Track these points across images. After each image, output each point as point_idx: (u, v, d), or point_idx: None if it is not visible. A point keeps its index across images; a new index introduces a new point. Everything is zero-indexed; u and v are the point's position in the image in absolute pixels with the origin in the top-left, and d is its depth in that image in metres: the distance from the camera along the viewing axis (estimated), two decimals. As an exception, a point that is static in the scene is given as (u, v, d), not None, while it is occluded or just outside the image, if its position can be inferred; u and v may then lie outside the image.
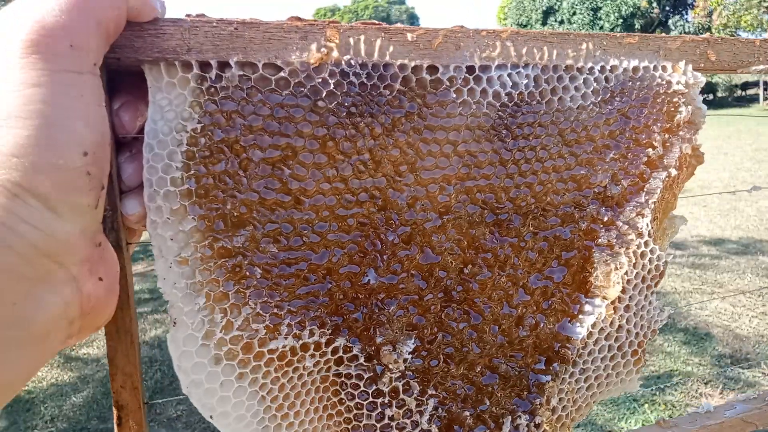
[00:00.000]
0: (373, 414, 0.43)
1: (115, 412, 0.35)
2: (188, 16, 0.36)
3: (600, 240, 0.49)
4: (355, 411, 0.43)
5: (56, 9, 0.29)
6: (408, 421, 0.44)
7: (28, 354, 0.28)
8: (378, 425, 0.43)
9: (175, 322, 0.36)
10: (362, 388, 0.43)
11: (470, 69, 0.43)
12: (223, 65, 0.37)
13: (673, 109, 0.51)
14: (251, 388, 0.39)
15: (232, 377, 0.38)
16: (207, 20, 0.36)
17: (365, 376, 0.42)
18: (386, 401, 0.43)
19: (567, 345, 0.48)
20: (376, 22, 0.41)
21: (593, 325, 0.49)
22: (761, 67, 0.58)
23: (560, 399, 0.49)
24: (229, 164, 0.37)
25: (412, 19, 45.08)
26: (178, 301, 0.36)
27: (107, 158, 0.31)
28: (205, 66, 0.36)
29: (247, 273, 0.37)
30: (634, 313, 0.50)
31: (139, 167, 0.36)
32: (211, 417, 0.37)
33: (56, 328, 0.29)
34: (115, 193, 0.35)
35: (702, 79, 0.53)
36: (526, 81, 0.45)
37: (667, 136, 0.51)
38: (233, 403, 0.38)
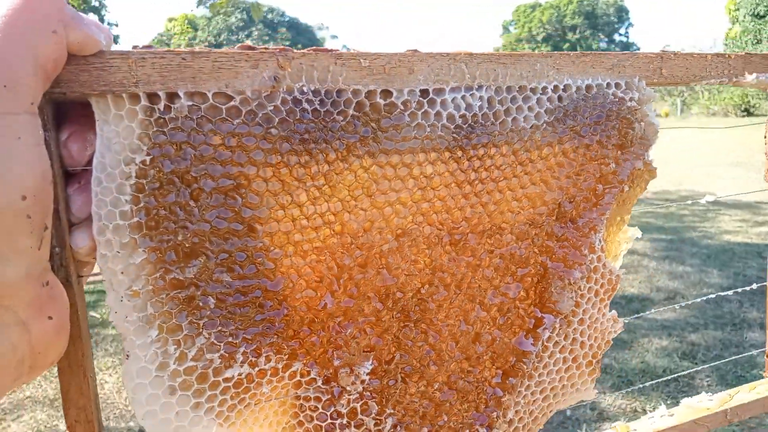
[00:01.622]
0: (332, 434, 0.44)
1: (67, 447, 0.35)
2: (135, 47, 0.36)
3: (555, 256, 0.50)
4: (314, 432, 0.44)
5: None
6: (367, 440, 0.45)
7: None
8: (337, 445, 0.44)
9: (128, 355, 0.36)
10: (321, 410, 0.43)
11: (424, 92, 0.44)
12: (172, 96, 0.36)
13: (626, 125, 0.52)
14: (207, 417, 0.39)
15: (188, 407, 0.38)
16: (155, 52, 0.35)
17: (323, 399, 0.43)
18: (345, 422, 0.44)
19: (523, 359, 0.50)
20: (329, 48, 0.41)
21: (548, 339, 0.50)
22: (713, 80, 0.59)
23: (517, 411, 0.50)
24: (179, 195, 0.37)
25: (621, 12, 40.59)
26: (131, 334, 0.36)
27: (49, 197, 0.31)
28: (153, 97, 0.36)
29: (201, 303, 0.38)
30: (588, 325, 0.52)
31: (88, 199, 0.35)
32: (167, 448, 0.38)
33: (5, 370, 0.29)
34: (64, 229, 0.35)
35: (654, 95, 0.54)
36: (480, 102, 0.45)
37: (619, 152, 0.52)
38: (189, 432, 0.38)
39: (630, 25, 40.66)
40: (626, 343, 2.73)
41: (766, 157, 0.71)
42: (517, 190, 0.48)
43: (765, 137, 0.71)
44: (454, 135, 0.45)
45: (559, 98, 0.49)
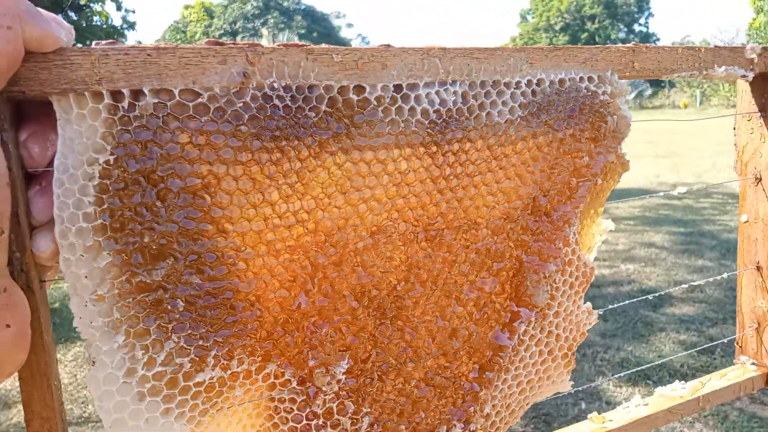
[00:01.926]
0: (309, 434, 0.44)
1: (32, 458, 0.34)
2: (97, 44, 0.34)
3: (530, 250, 0.50)
4: (290, 432, 0.43)
5: None
6: (344, 439, 0.44)
7: None
8: (314, 445, 0.44)
9: (93, 362, 0.35)
10: (296, 412, 0.43)
11: (398, 87, 0.43)
12: (137, 93, 0.35)
13: (599, 119, 0.52)
14: (178, 423, 0.38)
15: (158, 413, 0.37)
16: (118, 48, 0.34)
17: (298, 400, 0.43)
18: (321, 423, 0.43)
19: (499, 353, 0.50)
20: (300, 42, 0.40)
21: (524, 333, 0.50)
22: (684, 73, 0.60)
23: (494, 405, 0.51)
24: (145, 196, 0.36)
25: (641, 2, 38.32)
26: (96, 340, 0.35)
27: (6, 201, 0.30)
28: (117, 95, 0.35)
29: (169, 307, 0.37)
30: (563, 318, 0.52)
31: (50, 201, 0.34)
32: (137, 454, 0.37)
33: None
34: (24, 233, 0.33)
35: (627, 88, 0.55)
36: (454, 98, 0.45)
37: (593, 145, 0.52)
38: (161, 437, 0.37)
39: (650, 15, 39.51)
40: (643, 336, 2.65)
41: (735, 148, 0.72)
42: (492, 185, 0.48)
43: (734, 128, 0.72)
44: (429, 130, 0.44)
45: (533, 93, 0.49)
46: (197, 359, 0.38)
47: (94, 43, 0.34)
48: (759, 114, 0.67)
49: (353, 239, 0.43)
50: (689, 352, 2.38)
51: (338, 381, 0.43)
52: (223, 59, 0.37)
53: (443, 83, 0.45)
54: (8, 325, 0.30)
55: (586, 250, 0.55)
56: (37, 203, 0.34)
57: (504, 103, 0.47)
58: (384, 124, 0.42)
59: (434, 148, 0.45)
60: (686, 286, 3.12)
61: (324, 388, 0.43)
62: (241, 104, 0.37)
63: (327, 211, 0.42)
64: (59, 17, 0.34)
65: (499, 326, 0.50)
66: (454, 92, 0.45)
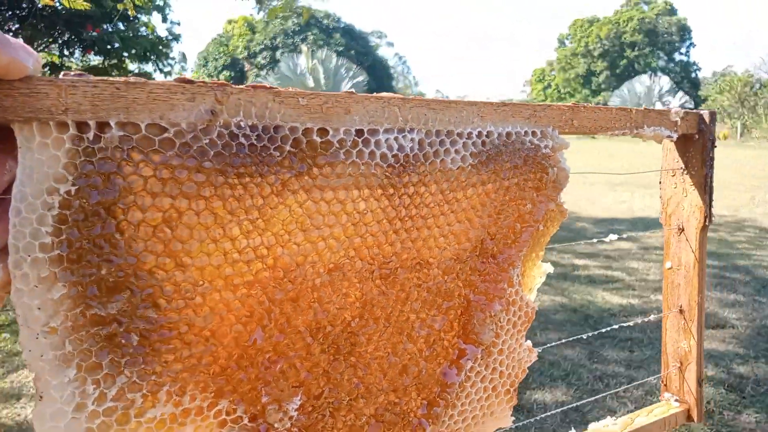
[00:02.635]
0: (258, 472, 0.43)
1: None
2: (66, 74, 0.34)
3: (477, 289, 0.53)
4: (238, 470, 0.43)
5: None
6: (293, 477, 0.44)
7: None
8: (262, 483, 0.43)
9: (41, 396, 0.34)
10: (246, 448, 0.42)
11: (359, 132, 0.45)
12: (103, 125, 0.35)
13: (541, 170, 0.56)
14: (126, 460, 0.37)
15: (105, 451, 0.36)
16: (87, 80, 0.34)
17: (250, 436, 0.42)
18: (271, 459, 0.43)
19: (447, 389, 0.52)
20: (267, 85, 0.41)
21: (470, 369, 0.53)
22: (617, 131, 0.66)
23: (440, 441, 0.52)
24: (105, 227, 0.35)
25: (683, 31, 37.92)
26: (46, 374, 0.34)
27: None
28: (82, 126, 0.35)
29: (123, 341, 0.36)
30: (506, 355, 0.55)
31: (3, 229, 0.33)
32: (79, 495, 0.35)
33: None
34: None
35: (567, 143, 0.60)
36: (411, 144, 0.48)
37: (535, 194, 0.56)
38: (105, 476, 0.36)
39: (692, 45, 38.79)
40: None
41: (661, 200, 0.79)
42: (444, 227, 0.51)
43: (660, 183, 0.79)
44: (387, 174, 0.47)
45: (483, 143, 0.52)
46: (149, 395, 0.37)
47: (62, 74, 0.35)
48: (682, 170, 0.75)
49: (311, 276, 0.44)
50: (717, 389, 2.29)
51: (290, 417, 0.43)
52: (192, 97, 0.38)
53: (402, 130, 0.47)
54: None
55: (527, 291, 0.59)
56: None
57: (456, 152, 0.51)
58: (345, 166, 0.44)
59: (391, 191, 0.47)
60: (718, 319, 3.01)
61: (276, 425, 0.43)
62: (207, 141, 0.38)
63: (286, 247, 0.43)
64: (27, 46, 0.34)
65: (447, 363, 0.52)
66: (412, 139, 0.48)
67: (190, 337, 0.39)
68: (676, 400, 0.78)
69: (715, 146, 0.73)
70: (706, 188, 0.74)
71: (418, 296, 0.50)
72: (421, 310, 0.50)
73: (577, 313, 3.17)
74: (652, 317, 0.88)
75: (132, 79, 0.36)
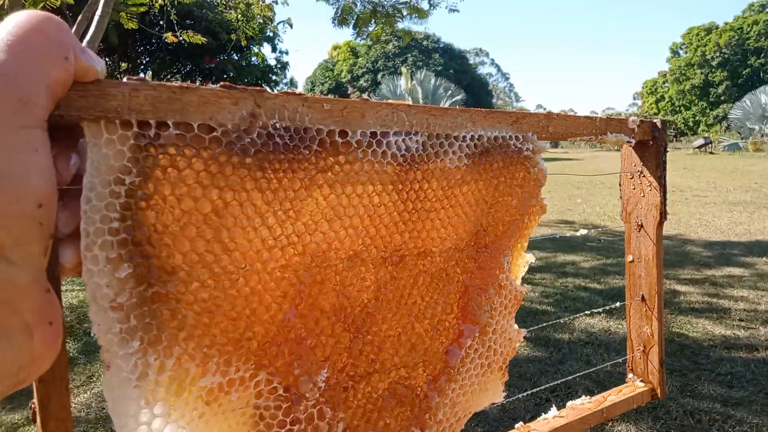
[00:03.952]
0: (290, 440, 0.48)
1: (45, 459, 0.35)
2: (129, 78, 0.39)
3: (474, 275, 0.59)
4: (272, 439, 0.47)
5: (10, 67, 0.31)
6: (321, 444, 0.49)
7: None
8: (294, 450, 0.48)
9: (109, 366, 0.38)
10: (281, 418, 0.47)
11: (373, 134, 0.51)
12: (161, 124, 0.40)
13: (523, 170, 0.64)
14: (179, 425, 0.41)
15: (164, 415, 0.40)
16: (148, 84, 0.39)
17: (284, 406, 0.47)
18: (302, 427, 0.48)
19: (450, 365, 0.57)
20: (298, 92, 0.47)
21: (469, 347, 0.59)
22: (585, 137, 0.75)
23: (444, 412, 0.58)
24: (163, 214, 0.40)
25: None
26: (114, 346, 0.38)
27: (55, 207, 0.33)
28: (143, 124, 0.39)
29: (180, 317, 0.40)
30: (500, 335, 0.61)
31: (71, 215, 0.37)
32: (142, 456, 0.39)
33: (6, 375, 0.30)
34: (53, 243, 0.36)
35: (544, 146, 0.67)
36: (416, 145, 0.54)
37: (520, 191, 0.63)
38: (163, 441, 0.40)
39: None
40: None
41: (621, 200, 0.89)
42: (444, 219, 0.57)
43: (619, 185, 0.88)
44: (396, 171, 0.53)
45: (475, 146, 0.59)
46: (201, 365, 0.41)
47: (125, 78, 0.39)
48: (639, 173, 0.84)
49: (334, 261, 0.49)
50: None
51: (319, 388, 0.48)
52: (236, 101, 0.43)
53: (408, 133, 0.54)
54: (51, 323, 0.32)
55: (515, 277, 0.66)
56: (60, 218, 0.37)
57: (454, 153, 0.57)
58: (362, 164, 0.50)
59: (400, 186, 0.53)
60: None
61: (307, 395, 0.47)
62: (248, 139, 0.43)
63: (314, 236, 0.48)
64: (95, 54, 0.38)
65: (449, 341, 0.58)
66: (416, 141, 0.54)
67: (234, 314, 0.43)
68: (641, 381, 0.86)
69: (667, 151, 0.83)
70: (660, 188, 0.83)
71: (423, 281, 0.56)
72: (426, 294, 0.56)
73: (673, 343, 2.95)
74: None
75: (185, 84, 0.41)
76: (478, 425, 2.19)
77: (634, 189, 0.86)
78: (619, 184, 0.89)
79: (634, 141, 0.79)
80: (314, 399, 0.48)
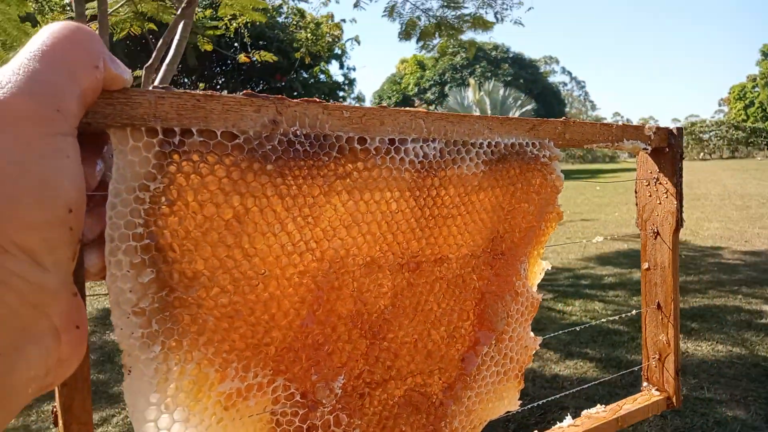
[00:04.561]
0: (307, 446, 0.48)
1: (69, 462, 0.36)
2: (155, 87, 0.40)
3: (490, 282, 0.59)
4: (289, 444, 0.47)
5: (45, 76, 0.31)
6: (337, 450, 0.49)
7: (8, 404, 0.29)
8: (311, 456, 0.48)
9: (130, 371, 0.38)
10: (297, 424, 0.47)
11: (391, 141, 0.51)
12: (185, 131, 0.40)
13: (540, 177, 0.64)
14: (198, 431, 0.41)
15: (183, 420, 0.40)
16: (173, 92, 0.40)
17: (300, 413, 0.47)
18: (319, 433, 0.48)
19: (465, 372, 0.57)
20: (318, 99, 0.47)
21: (485, 354, 0.59)
22: (602, 144, 0.74)
23: (460, 420, 0.57)
24: (186, 220, 0.40)
25: None
26: (135, 350, 0.38)
27: (84, 213, 0.34)
28: (168, 132, 0.40)
29: (201, 322, 0.41)
30: (516, 342, 0.61)
31: (96, 221, 0.38)
32: (162, 460, 0.39)
33: (34, 378, 0.30)
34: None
35: (560, 154, 0.67)
36: (434, 152, 0.54)
37: (536, 197, 0.63)
38: (183, 445, 0.40)
39: None
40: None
41: (637, 207, 0.88)
42: (461, 226, 0.57)
43: (635, 191, 0.88)
44: (414, 178, 0.53)
45: (492, 152, 0.59)
46: (221, 371, 0.42)
47: (151, 86, 0.40)
48: (655, 180, 0.83)
49: (352, 267, 0.49)
50: None
51: (335, 395, 0.48)
52: (258, 108, 0.43)
53: (426, 140, 0.54)
54: (78, 326, 0.33)
55: (531, 284, 0.65)
56: (86, 223, 0.38)
57: (471, 159, 0.57)
58: (380, 170, 0.50)
59: (417, 193, 0.53)
60: None
61: (323, 401, 0.47)
62: (269, 147, 0.44)
63: (332, 242, 0.48)
64: (122, 64, 0.39)
65: (465, 348, 0.58)
66: (434, 148, 0.54)
67: (253, 319, 0.44)
68: (656, 390, 0.86)
69: (683, 158, 0.83)
70: (677, 195, 0.83)
71: (439, 288, 0.56)
72: (442, 301, 0.56)
73: (758, 367, 2.73)
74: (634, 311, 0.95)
75: (209, 92, 0.41)
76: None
77: (650, 196, 0.85)
78: (635, 191, 0.88)
79: (650, 148, 0.78)
80: (331, 405, 0.48)
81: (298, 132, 0.45)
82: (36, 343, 0.30)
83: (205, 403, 0.41)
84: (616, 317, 1.04)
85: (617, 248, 6.12)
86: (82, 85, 0.33)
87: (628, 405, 0.80)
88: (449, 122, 0.56)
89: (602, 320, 1.02)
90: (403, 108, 0.53)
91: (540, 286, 0.68)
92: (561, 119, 0.68)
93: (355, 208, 0.49)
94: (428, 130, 0.54)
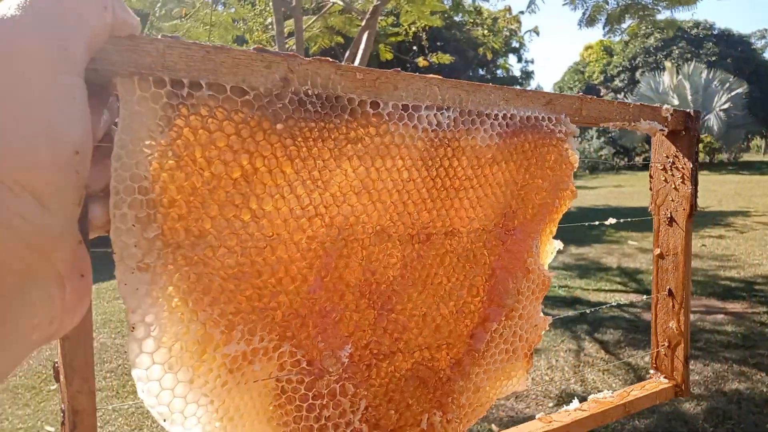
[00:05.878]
0: (311, 415, 0.47)
1: (69, 417, 0.35)
2: (163, 36, 0.38)
3: (501, 258, 0.58)
4: (294, 414, 0.46)
5: (50, 13, 0.30)
6: (342, 421, 0.48)
7: (12, 351, 0.28)
8: (315, 426, 0.47)
9: (133, 327, 0.37)
10: (303, 391, 0.46)
11: (405, 107, 0.50)
12: (194, 84, 0.39)
13: (555, 152, 0.62)
14: (202, 392, 0.40)
15: (186, 380, 0.39)
16: (182, 42, 0.38)
17: (306, 380, 0.46)
18: (324, 402, 0.47)
19: (474, 348, 0.56)
20: (330, 59, 0.46)
21: (494, 331, 0.57)
22: (618, 123, 0.73)
23: (467, 396, 0.56)
24: (192, 177, 0.39)
25: None
26: (139, 307, 0.37)
27: (90, 156, 0.32)
28: (176, 83, 0.38)
29: (207, 281, 0.40)
30: (526, 320, 0.60)
31: (100, 173, 0.37)
32: (164, 421, 0.38)
33: (40, 325, 0.29)
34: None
35: (576, 130, 0.66)
36: (448, 121, 0.53)
37: (551, 173, 0.62)
38: (185, 406, 0.39)
39: None
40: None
41: (651, 192, 0.86)
42: (473, 199, 0.56)
43: (650, 176, 0.86)
44: (427, 147, 0.51)
45: (507, 125, 0.58)
46: (226, 332, 0.41)
47: (160, 35, 0.38)
48: (671, 164, 0.82)
49: (361, 235, 0.48)
50: None
51: (342, 364, 0.47)
52: (269, 65, 0.42)
53: (440, 108, 0.52)
54: (82, 275, 0.31)
55: (543, 262, 0.64)
56: (92, 173, 0.37)
57: (485, 131, 0.56)
58: (392, 137, 0.49)
59: (429, 162, 0.52)
60: None
61: (330, 369, 0.46)
62: (280, 105, 0.42)
63: (341, 208, 0.47)
64: (130, 10, 0.38)
65: (474, 324, 0.56)
66: (448, 116, 0.53)
67: (260, 282, 0.42)
68: (665, 377, 0.84)
69: (701, 142, 0.81)
70: (692, 180, 0.81)
71: (449, 261, 0.54)
72: (452, 275, 0.55)
73: None
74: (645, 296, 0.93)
75: (219, 44, 0.40)
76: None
77: (665, 180, 0.84)
78: (650, 176, 0.86)
79: (666, 130, 0.76)
80: (337, 374, 0.47)
81: (309, 92, 0.44)
82: (40, 288, 0.29)
83: (210, 364, 0.40)
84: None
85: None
86: (90, 24, 0.32)
87: (636, 391, 0.79)
88: (464, 90, 0.54)
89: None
90: (417, 74, 0.51)
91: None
92: (578, 95, 0.66)
93: (365, 174, 0.48)
94: (443, 98, 0.52)
